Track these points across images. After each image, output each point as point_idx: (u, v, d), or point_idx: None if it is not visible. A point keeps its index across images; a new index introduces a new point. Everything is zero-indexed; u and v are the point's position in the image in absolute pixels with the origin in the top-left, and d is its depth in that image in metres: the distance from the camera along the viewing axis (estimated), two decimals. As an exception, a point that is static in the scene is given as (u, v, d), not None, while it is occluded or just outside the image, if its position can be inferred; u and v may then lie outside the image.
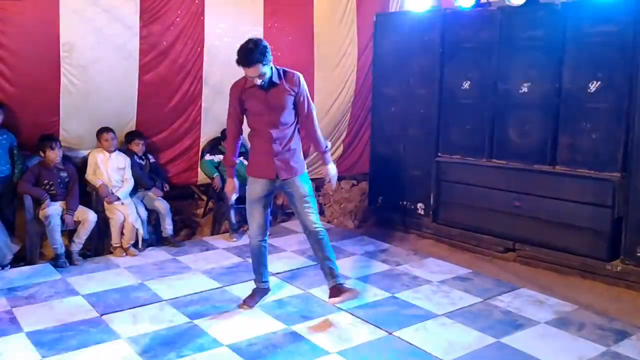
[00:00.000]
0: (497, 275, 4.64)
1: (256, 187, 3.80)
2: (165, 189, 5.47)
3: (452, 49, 5.34)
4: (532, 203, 4.81)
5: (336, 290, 3.78)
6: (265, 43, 3.53)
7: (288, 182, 3.76)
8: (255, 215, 3.85)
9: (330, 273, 3.82)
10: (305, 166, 3.89)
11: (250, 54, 3.46)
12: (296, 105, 3.74)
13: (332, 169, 3.92)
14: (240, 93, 3.71)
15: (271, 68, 3.60)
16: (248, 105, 3.73)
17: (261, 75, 3.54)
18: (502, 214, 5.03)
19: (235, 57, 3.50)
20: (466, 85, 5.26)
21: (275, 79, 3.64)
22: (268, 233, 3.92)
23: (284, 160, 3.72)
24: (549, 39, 4.66)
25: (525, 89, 4.84)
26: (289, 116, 3.72)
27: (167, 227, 5.33)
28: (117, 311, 3.87)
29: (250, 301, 3.98)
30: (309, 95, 3.79)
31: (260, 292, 4.05)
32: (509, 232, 5.01)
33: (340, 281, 3.84)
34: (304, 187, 3.79)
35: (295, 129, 3.79)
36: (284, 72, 3.72)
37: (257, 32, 5.78)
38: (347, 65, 6.47)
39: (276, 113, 3.68)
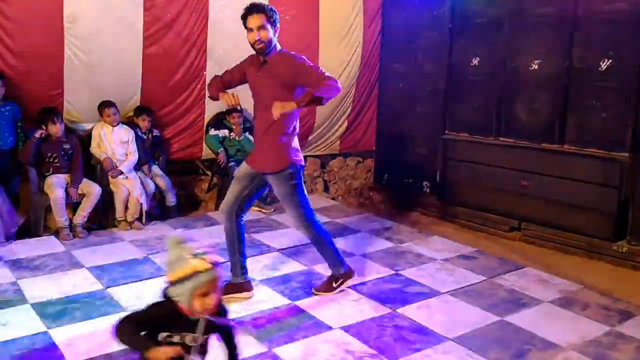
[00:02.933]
0: (502, 254, 4.63)
1: (241, 167, 3.63)
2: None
3: (462, 25, 5.26)
4: (539, 182, 4.78)
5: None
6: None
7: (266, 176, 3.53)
8: (231, 189, 3.60)
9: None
10: (287, 164, 3.44)
11: (258, 4, 3.31)
12: (295, 88, 3.35)
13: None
14: (248, 63, 3.52)
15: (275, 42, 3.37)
16: (248, 78, 3.52)
17: (263, 32, 3.25)
18: (509, 192, 5.00)
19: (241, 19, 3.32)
20: (475, 61, 5.18)
21: (273, 54, 3.36)
22: (243, 216, 3.68)
23: (260, 151, 3.51)
24: (560, 15, 4.58)
25: (534, 67, 4.76)
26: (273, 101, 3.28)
27: (171, 199, 5.41)
28: (121, 284, 3.88)
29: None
30: (310, 65, 3.33)
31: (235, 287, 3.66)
32: (515, 211, 4.99)
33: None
34: (279, 187, 3.49)
35: (284, 120, 3.37)
36: (278, 52, 3.39)
37: (263, 5, 5.69)
38: (353, 40, 6.36)
39: (263, 94, 3.40)
